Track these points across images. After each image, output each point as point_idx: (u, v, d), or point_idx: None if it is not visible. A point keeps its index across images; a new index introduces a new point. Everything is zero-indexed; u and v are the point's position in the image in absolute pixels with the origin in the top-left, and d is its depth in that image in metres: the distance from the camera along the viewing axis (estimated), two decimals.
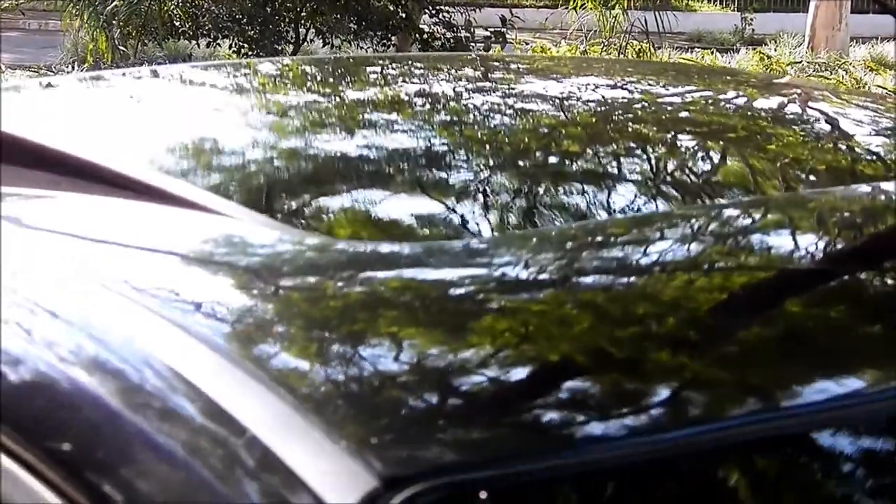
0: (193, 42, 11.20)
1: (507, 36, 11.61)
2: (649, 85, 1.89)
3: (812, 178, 1.36)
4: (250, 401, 0.78)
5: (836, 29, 15.14)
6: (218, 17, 10.78)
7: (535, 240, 1.10)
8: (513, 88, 1.82)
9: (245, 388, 0.79)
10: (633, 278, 1.01)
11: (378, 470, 0.71)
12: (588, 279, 1.02)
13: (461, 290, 0.98)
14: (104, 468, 0.81)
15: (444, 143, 1.40)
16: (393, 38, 11.02)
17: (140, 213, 1.14)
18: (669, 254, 1.07)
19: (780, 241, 1.15)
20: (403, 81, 1.86)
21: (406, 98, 1.68)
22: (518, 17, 11.90)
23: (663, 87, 1.89)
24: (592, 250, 1.10)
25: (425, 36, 10.76)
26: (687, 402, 0.83)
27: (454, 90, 1.74)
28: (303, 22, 10.85)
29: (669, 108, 1.72)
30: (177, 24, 10.85)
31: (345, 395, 0.80)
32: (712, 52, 14.07)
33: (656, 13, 12.08)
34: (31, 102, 1.63)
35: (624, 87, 1.88)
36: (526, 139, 1.43)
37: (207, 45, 11.20)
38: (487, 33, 11.35)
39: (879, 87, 10.61)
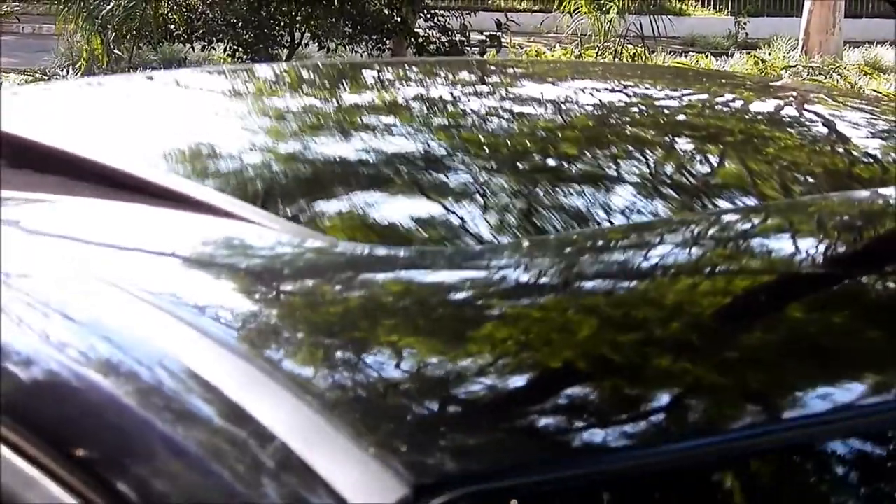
0: (188, 46, 11.20)
1: (503, 40, 11.63)
2: (648, 89, 1.88)
3: (814, 181, 1.35)
4: (278, 407, 0.77)
5: (829, 33, 15.20)
6: (213, 21, 10.79)
7: (563, 245, 1.10)
8: (521, 95, 1.81)
9: (273, 394, 0.79)
10: (647, 285, 1.01)
11: (408, 477, 0.70)
12: (623, 283, 1.02)
13: (489, 297, 0.97)
14: (127, 471, 0.81)
15: (463, 152, 1.39)
16: (388, 42, 11.02)
17: (167, 219, 1.13)
18: (670, 260, 1.06)
19: (782, 248, 1.14)
20: (414, 87, 1.85)
21: (419, 104, 1.67)
22: (513, 21, 11.91)
23: (664, 90, 1.88)
24: (604, 256, 1.09)
25: (420, 40, 10.76)
26: (714, 411, 0.83)
27: (481, 100, 1.73)
28: (297, 26, 10.85)
29: (670, 112, 1.71)
30: (171, 27, 10.85)
31: (374, 402, 0.79)
32: (706, 56, 14.12)
33: (651, 17, 12.12)
34: (53, 108, 1.63)
35: (622, 91, 1.88)
36: (531, 146, 1.42)
37: (202, 49, 11.20)
38: (483, 37, 11.36)
39: (874, 91, 10.63)
